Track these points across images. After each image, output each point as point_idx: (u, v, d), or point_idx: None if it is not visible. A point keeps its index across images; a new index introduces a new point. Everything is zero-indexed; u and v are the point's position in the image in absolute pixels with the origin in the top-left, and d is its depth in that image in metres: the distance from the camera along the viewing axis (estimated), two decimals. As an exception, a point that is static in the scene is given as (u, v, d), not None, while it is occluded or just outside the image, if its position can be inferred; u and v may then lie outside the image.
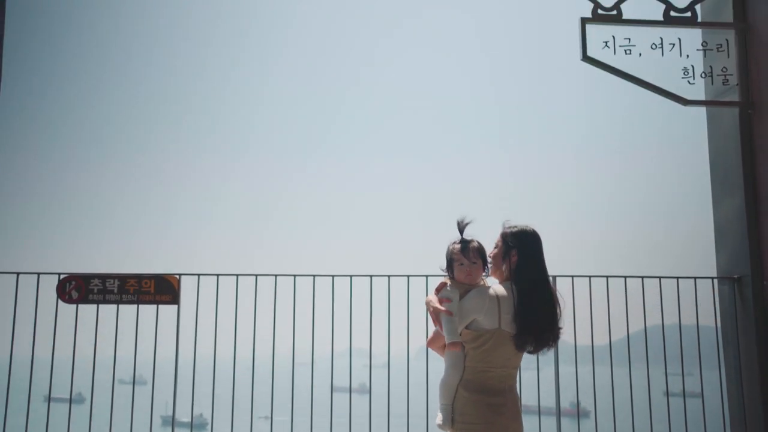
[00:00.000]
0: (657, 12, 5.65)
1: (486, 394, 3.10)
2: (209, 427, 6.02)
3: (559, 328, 3.22)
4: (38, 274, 5.18)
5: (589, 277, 5.34)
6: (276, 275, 5.22)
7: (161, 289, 5.28)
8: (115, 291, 5.26)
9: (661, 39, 5.61)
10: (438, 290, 3.28)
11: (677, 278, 5.49)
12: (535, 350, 3.20)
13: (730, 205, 5.62)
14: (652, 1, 5.67)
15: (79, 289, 5.23)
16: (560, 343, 3.38)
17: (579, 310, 5.07)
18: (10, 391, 5.16)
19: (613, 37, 5.54)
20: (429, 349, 3.48)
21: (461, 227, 3.35)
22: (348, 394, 5.14)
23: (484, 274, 3.33)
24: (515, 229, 3.30)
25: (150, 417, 5.19)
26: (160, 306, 5.25)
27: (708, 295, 5.61)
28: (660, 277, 5.50)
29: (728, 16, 5.73)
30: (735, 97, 5.59)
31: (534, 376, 5.19)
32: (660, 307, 5.48)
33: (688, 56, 5.63)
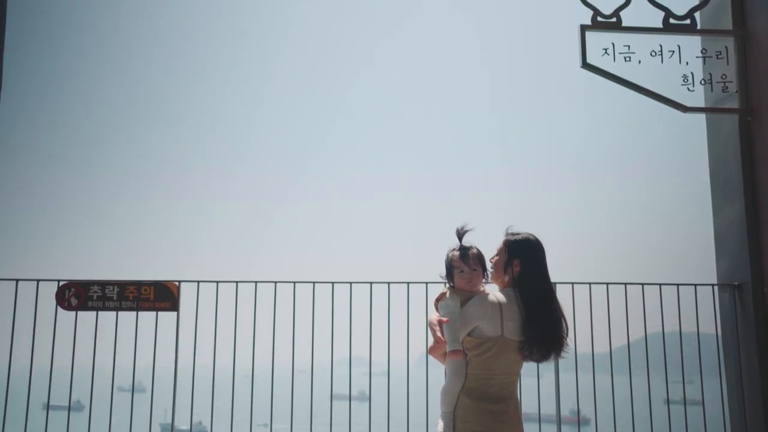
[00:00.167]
0: (656, 19, 5.66)
1: (488, 401, 3.09)
2: (208, 434, 6.00)
3: (565, 338, 3.22)
4: (37, 281, 5.17)
5: (590, 284, 5.33)
6: (275, 282, 5.21)
7: (161, 296, 5.27)
8: (115, 298, 5.25)
9: (661, 46, 5.61)
10: (438, 300, 3.27)
11: (677, 285, 5.49)
12: (541, 359, 3.19)
13: (730, 211, 5.62)
14: (651, 8, 5.69)
15: (78, 295, 5.22)
16: (561, 350, 3.37)
17: (579, 316, 5.06)
18: (9, 399, 5.15)
19: (613, 44, 5.55)
20: (429, 356, 3.47)
21: (460, 234, 3.33)
22: (348, 402, 5.13)
23: (484, 280, 3.32)
24: (518, 237, 3.28)
25: (149, 425, 5.16)
26: (160, 313, 5.24)
27: (708, 302, 5.60)
28: (660, 284, 5.49)
29: (727, 24, 5.74)
30: (734, 104, 5.59)
31: (534, 384, 5.18)
32: (660, 314, 5.47)
33: (687, 63, 5.64)
